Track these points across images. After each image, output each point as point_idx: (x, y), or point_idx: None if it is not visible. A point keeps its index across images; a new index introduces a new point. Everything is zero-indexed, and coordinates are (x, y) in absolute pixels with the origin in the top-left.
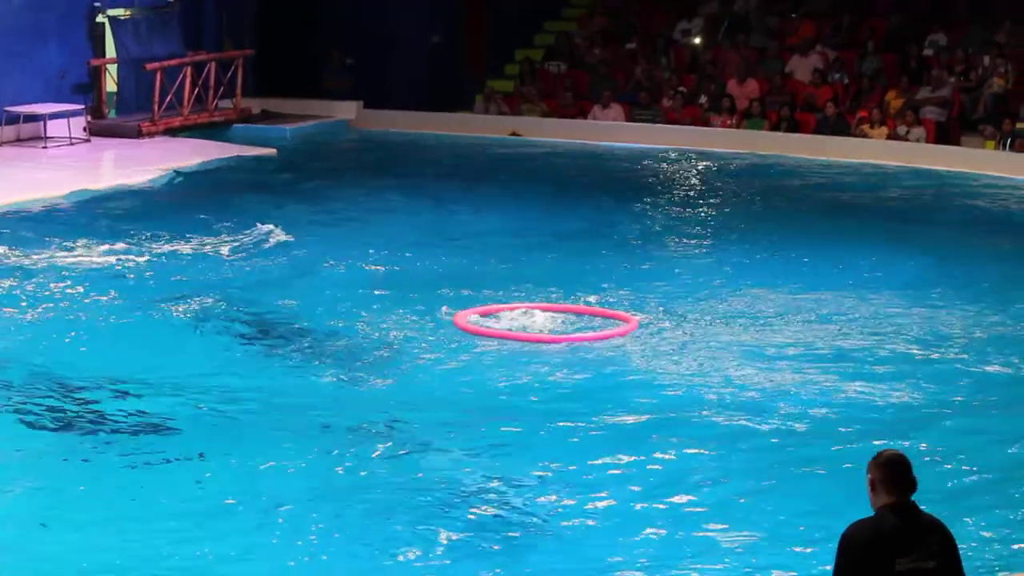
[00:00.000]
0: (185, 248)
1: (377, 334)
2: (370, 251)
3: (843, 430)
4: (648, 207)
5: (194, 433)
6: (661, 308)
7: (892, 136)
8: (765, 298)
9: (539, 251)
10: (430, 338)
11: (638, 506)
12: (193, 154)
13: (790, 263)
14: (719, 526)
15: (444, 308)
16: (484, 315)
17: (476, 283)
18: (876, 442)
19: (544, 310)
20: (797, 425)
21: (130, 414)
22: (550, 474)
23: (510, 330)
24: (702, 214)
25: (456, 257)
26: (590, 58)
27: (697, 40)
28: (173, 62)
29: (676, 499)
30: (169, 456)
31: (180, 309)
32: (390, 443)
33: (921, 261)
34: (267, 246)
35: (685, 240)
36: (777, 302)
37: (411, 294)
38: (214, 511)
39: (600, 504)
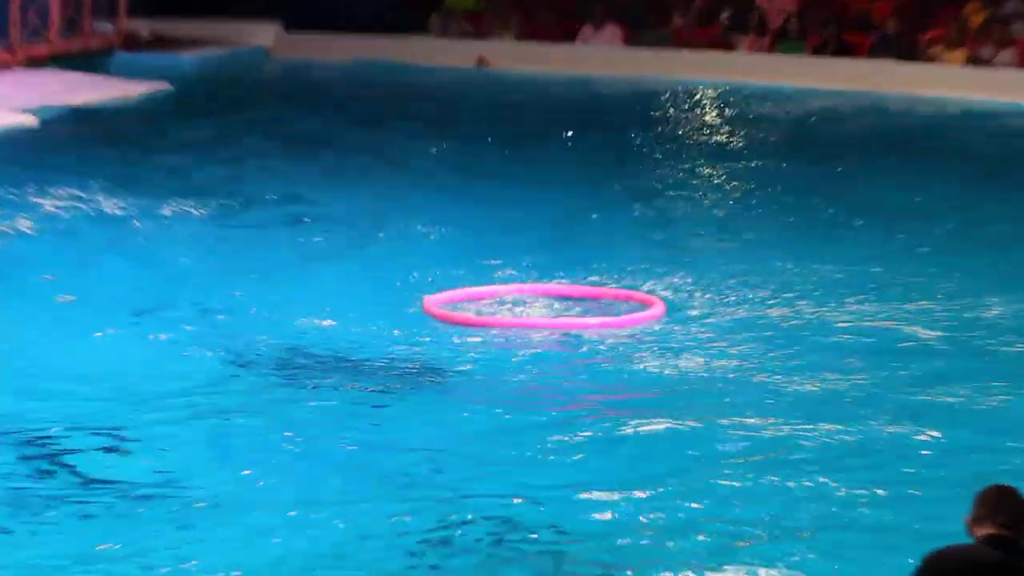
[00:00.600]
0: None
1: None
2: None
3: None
4: (656, 159)
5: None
6: (689, 287)
7: (972, 61)
8: (816, 274)
9: (519, 219)
10: (396, 332)
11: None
12: (62, 91)
13: (846, 231)
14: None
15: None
16: (461, 301)
17: (445, 262)
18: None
19: (540, 294)
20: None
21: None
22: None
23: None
24: (728, 166)
25: (414, 229)
26: None
27: None
28: None
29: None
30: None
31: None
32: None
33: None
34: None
35: (709, 199)
36: (832, 279)
37: (366, 277)
38: None
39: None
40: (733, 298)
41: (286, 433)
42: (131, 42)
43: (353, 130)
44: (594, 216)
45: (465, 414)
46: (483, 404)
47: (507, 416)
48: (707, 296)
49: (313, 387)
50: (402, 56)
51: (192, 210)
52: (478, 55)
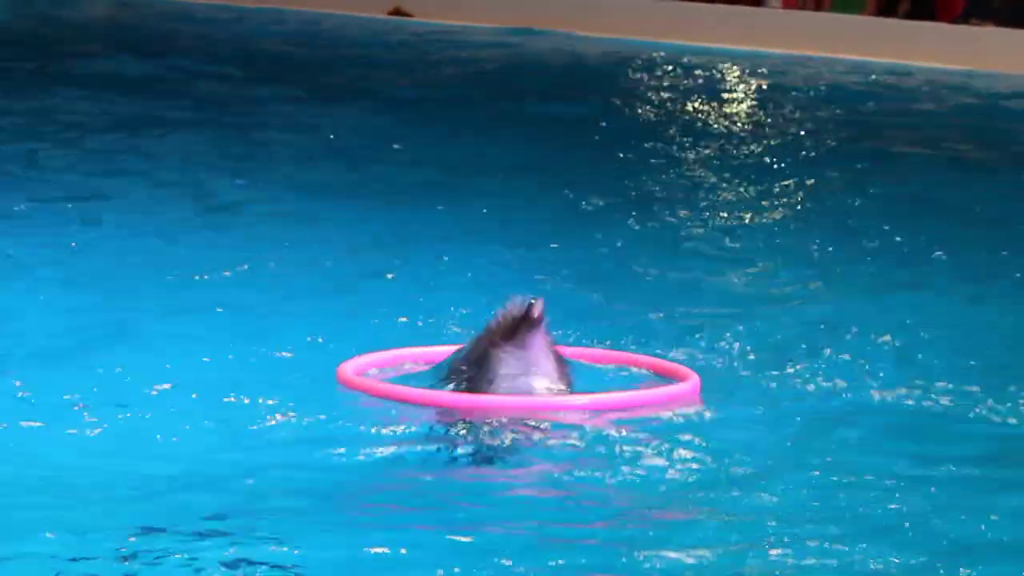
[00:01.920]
0: None
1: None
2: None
3: None
4: (659, 161)
5: None
6: (725, 351)
7: None
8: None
9: (466, 241)
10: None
11: None
12: None
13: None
14: None
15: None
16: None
17: (356, 310)
18: None
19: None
20: None
21: None
22: None
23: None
24: (758, 173)
25: (311, 257)
26: None
27: None
28: None
29: None
30: None
31: None
32: None
33: None
34: None
35: (741, 217)
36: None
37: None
38: None
39: None
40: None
41: None
42: None
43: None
44: (587, 239)
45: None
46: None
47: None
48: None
49: None
50: (297, 3)
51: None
52: (394, 5)
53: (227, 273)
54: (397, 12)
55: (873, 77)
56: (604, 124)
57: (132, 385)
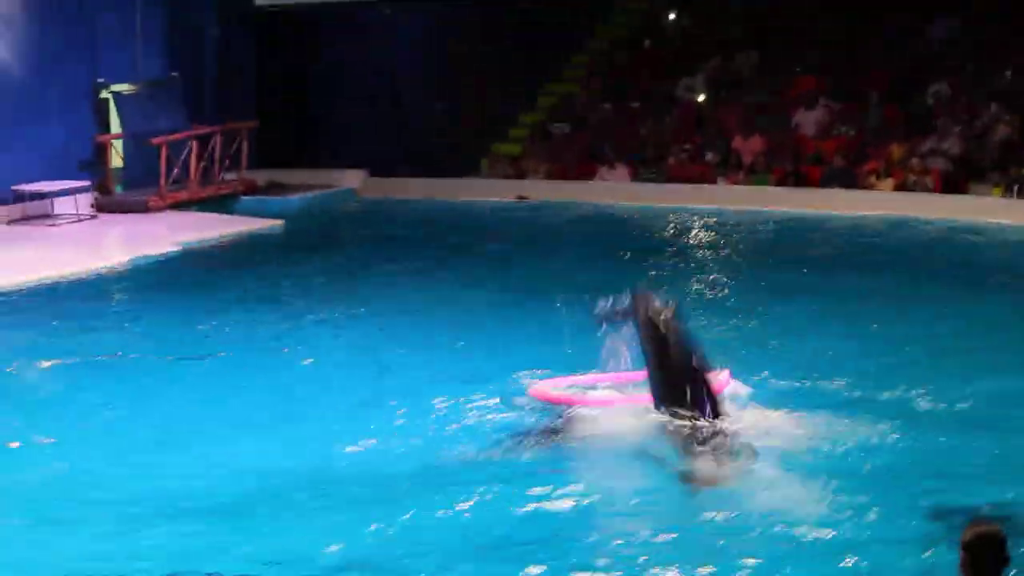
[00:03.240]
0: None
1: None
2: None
3: None
4: (656, 269)
5: None
6: None
7: (900, 187)
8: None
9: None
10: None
11: None
12: (200, 228)
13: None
14: None
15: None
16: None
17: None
18: None
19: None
20: None
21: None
22: None
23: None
24: (713, 273)
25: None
26: (593, 119)
27: (701, 98)
28: (178, 136)
29: None
30: None
31: None
32: None
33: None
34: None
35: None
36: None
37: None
38: None
39: None
40: None
41: None
42: (251, 188)
43: (418, 255)
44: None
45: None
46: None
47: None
48: None
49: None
50: (459, 193)
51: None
52: (518, 193)
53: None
54: (521, 197)
55: (774, 222)
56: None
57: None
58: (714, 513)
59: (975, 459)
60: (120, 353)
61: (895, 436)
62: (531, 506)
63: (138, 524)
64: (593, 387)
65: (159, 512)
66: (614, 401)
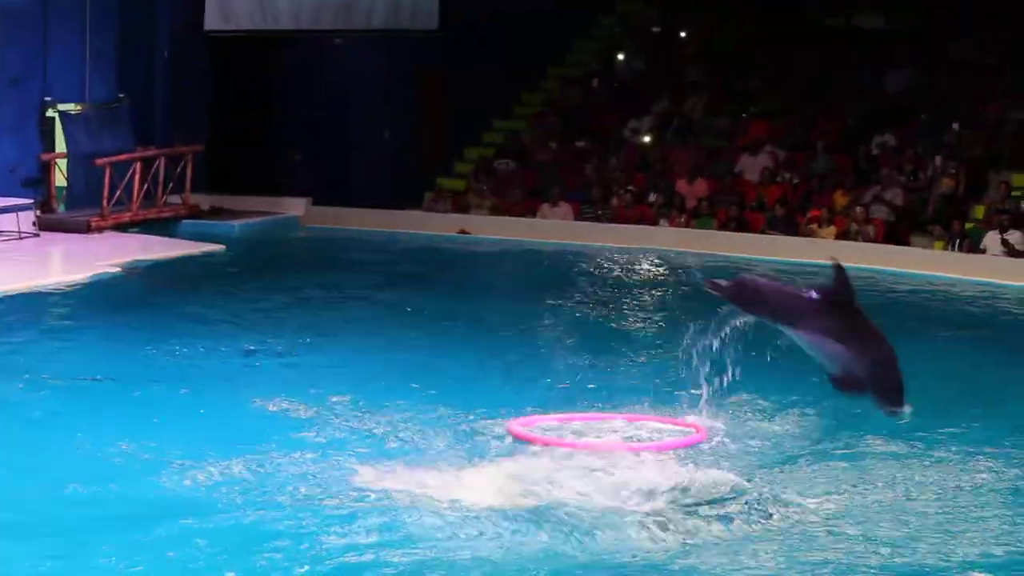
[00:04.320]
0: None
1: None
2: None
3: None
4: (599, 307)
5: None
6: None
7: (842, 236)
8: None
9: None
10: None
11: None
12: (140, 250)
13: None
14: None
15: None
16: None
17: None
18: None
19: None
20: None
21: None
22: None
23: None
24: (649, 315)
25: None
26: (540, 156)
27: (647, 139)
28: (123, 157)
29: None
30: None
31: None
32: None
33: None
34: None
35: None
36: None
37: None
38: None
39: None
40: None
41: None
42: (194, 212)
43: (359, 284)
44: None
45: None
46: None
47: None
48: None
49: None
50: (400, 225)
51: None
52: (460, 226)
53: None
54: (463, 232)
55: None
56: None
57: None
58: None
59: None
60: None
61: None
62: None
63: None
64: (579, 428)
65: None
66: (610, 446)
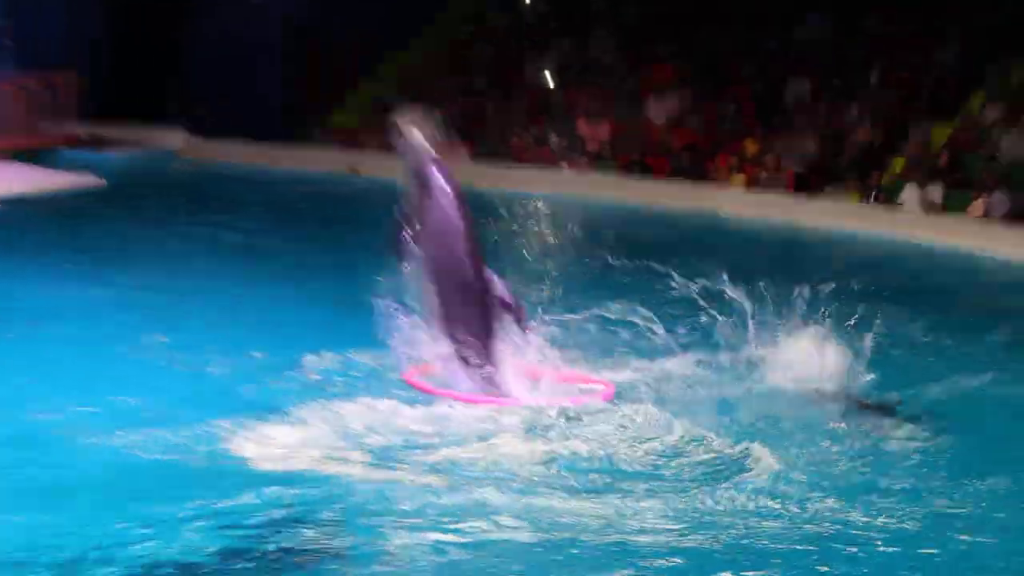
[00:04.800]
0: None
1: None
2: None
3: None
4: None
5: None
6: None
7: (752, 184)
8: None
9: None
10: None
11: None
12: (15, 180)
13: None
14: None
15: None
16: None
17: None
18: None
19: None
20: None
21: None
22: None
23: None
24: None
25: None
26: (435, 93)
27: (549, 80)
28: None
29: None
30: None
31: None
32: None
33: None
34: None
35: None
36: None
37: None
38: None
39: None
40: None
41: None
42: (73, 141)
43: (238, 224)
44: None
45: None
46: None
47: None
48: None
49: None
50: (287, 161)
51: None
52: (351, 165)
53: None
54: (353, 171)
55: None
56: None
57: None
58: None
59: None
60: None
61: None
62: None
63: None
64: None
65: None
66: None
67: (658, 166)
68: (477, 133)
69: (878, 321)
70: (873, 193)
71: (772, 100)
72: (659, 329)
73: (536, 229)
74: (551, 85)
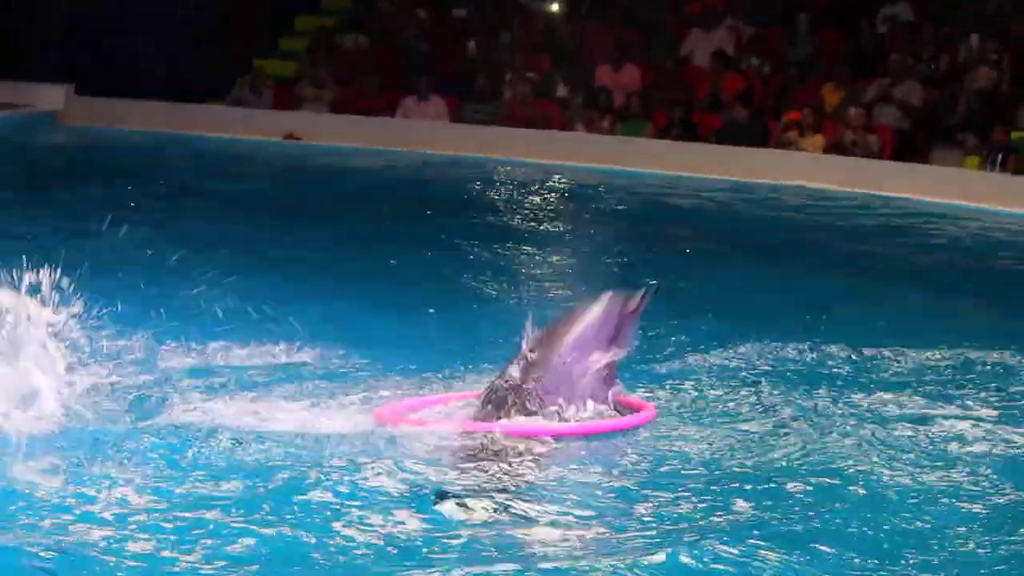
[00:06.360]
0: None
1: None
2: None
3: None
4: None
5: None
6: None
7: (832, 148)
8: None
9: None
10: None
11: None
12: None
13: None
14: None
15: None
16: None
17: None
18: None
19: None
20: None
21: None
22: None
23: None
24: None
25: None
26: (405, 31)
27: (555, 7)
28: None
29: None
30: None
31: None
32: None
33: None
34: None
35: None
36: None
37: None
38: None
39: None
40: None
41: None
42: None
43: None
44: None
45: None
46: None
47: None
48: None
49: None
50: (203, 126)
51: None
52: (287, 129)
53: None
54: (290, 136)
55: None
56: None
57: None
58: None
59: None
60: None
61: None
62: None
63: None
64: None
65: None
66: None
67: (706, 126)
68: (457, 81)
69: None
70: (998, 156)
71: (860, 32)
72: None
73: (549, 222)
74: (556, 14)
